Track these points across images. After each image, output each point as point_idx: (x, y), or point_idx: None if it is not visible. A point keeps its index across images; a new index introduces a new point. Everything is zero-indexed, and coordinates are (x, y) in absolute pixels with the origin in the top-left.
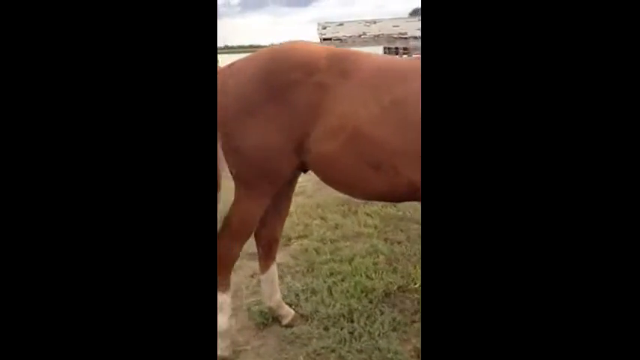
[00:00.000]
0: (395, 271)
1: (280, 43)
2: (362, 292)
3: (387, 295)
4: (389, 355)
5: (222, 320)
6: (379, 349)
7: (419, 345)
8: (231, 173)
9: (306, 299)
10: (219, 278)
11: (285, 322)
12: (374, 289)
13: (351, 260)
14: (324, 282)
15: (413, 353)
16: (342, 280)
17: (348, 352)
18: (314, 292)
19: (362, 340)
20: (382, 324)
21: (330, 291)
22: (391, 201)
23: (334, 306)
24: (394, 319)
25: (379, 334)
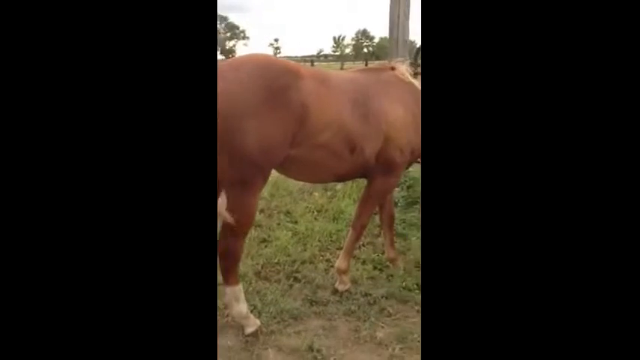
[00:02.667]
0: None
1: (251, 54)
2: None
3: (256, 273)
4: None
5: (243, 307)
6: (285, 310)
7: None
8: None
9: None
10: (231, 274)
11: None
12: (246, 274)
13: None
14: None
15: (307, 303)
16: None
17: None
18: None
19: (277, 305)
20: (284, 294)
21: None
22: (349, 179)
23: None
24: (291, 286)
25: (282, 295)
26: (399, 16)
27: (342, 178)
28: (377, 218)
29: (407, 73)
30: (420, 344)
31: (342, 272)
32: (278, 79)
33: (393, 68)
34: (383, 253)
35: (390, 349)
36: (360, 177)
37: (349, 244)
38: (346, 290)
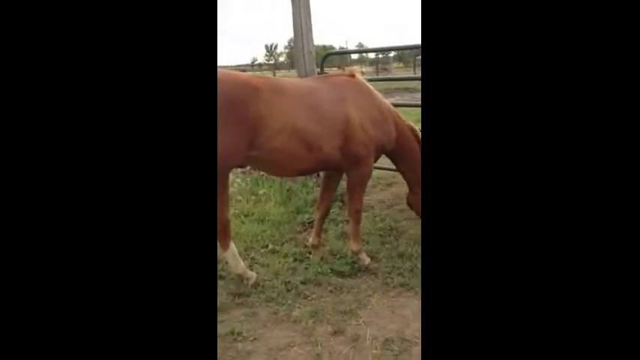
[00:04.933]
0: None
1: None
2: None
3: None
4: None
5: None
6: None
7: None
8: None
9: None
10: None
11: (251, 282)
12: None
13: None
14: None
15: (230, 296)
16: None
17: None
18: None
19: None
20: None
21: None
22: (313, 173)
23: None
24: None
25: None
26: (302, 29)
27: (305, 172)
28: (299, 217)
29: (363, 79)
30: (330, 317)
31: (356, 253)
32: (238, 93)
33: (352, 75)
34: (304, 247)
35: (303, 324)
36: (328, 169)
37: (353, 229)
38: (367, 266)
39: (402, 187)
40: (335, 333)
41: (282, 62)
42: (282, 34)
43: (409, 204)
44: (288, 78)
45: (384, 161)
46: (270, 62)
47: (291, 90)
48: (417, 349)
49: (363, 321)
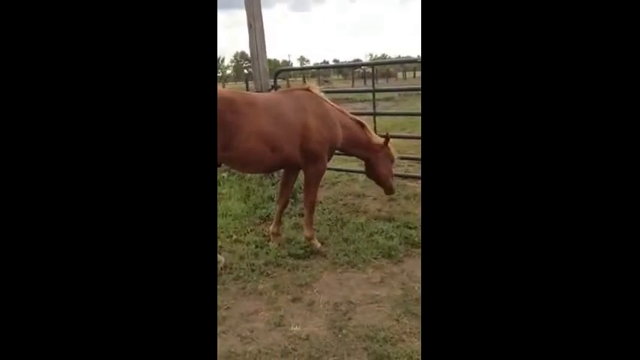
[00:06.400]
0: None
1: None
2: None
3: None
4: None
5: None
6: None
7: None
8: None
9: None
10: None
11: (220, 265)
12: None
13: None
14: None
15: None
16: None
17: None
18: None
19: None
20: None
21: None
22: (274, 170)
23: None
24: None
25: None
26: (257, 50)
27: (271, 169)
28: (257, 212)
29: (319, 90)
30: (289, 288)
31: (309, 239)
32: (219, 104)
33: (308, 89)
34: (264, 236)
35: (267, 295)
36: (288, 167)
37: (307, 218)
38: (318, 249)
39: (344, 187)
40: (294, 300)
41: (229, 75)
42: (228, 48)
43: (370, 176)
44: (257, 93)
45: (329, 163)
46: (218, 75)
47: (260, 102)
48: (360, 309)
49: (316, 290)
